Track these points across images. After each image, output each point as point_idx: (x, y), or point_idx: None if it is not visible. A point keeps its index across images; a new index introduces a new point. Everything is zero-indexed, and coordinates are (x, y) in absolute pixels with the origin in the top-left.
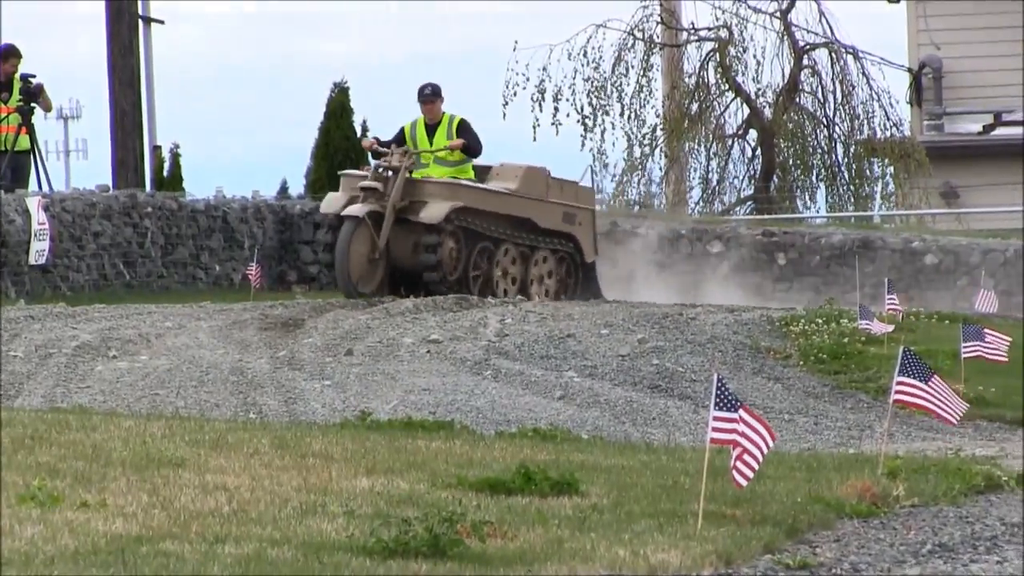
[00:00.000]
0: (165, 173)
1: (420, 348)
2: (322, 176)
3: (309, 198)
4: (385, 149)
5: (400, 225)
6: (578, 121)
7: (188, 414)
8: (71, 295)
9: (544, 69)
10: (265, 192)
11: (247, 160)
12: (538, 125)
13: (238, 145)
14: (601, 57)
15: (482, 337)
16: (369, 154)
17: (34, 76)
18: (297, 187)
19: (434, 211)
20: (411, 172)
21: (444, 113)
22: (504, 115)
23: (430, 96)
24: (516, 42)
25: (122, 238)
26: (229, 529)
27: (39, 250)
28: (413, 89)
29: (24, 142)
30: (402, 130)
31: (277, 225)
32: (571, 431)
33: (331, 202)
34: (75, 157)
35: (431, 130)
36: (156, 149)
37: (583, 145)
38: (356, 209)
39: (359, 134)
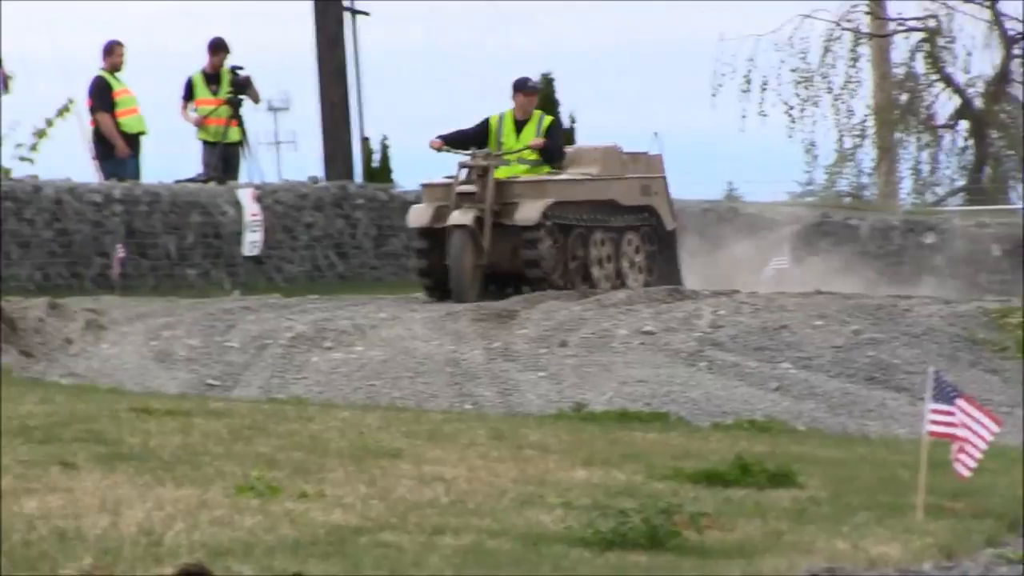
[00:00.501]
0: (374, 164)
1: (634, 339)
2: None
3: None
4: (455, 151)
5: (494, 228)
6: (785, 112)
7: (404, 405)
8: (285, 286)
9: (751, 59)
10: None
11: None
12: (745, 116)
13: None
14: (808, 47)
15: (696, 328)
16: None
17: (242, 68)
18: None
19: (529, 212)
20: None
21: (536, 111)
22: (713, 106)
23: (532, 89)
24: (722, 33)
25: (334, 229)
26: (447, 520)
27: (252, 241)
28: (619, 81)
29: (234, 134)
30: (487, 122)
31: None
32: (787, 423)
33: (418, 214)
34: (285, 148)
35: (519, 126)
36: (365, 141)
37: (790, 135)
38: (462, 217)
39: (567, 125)
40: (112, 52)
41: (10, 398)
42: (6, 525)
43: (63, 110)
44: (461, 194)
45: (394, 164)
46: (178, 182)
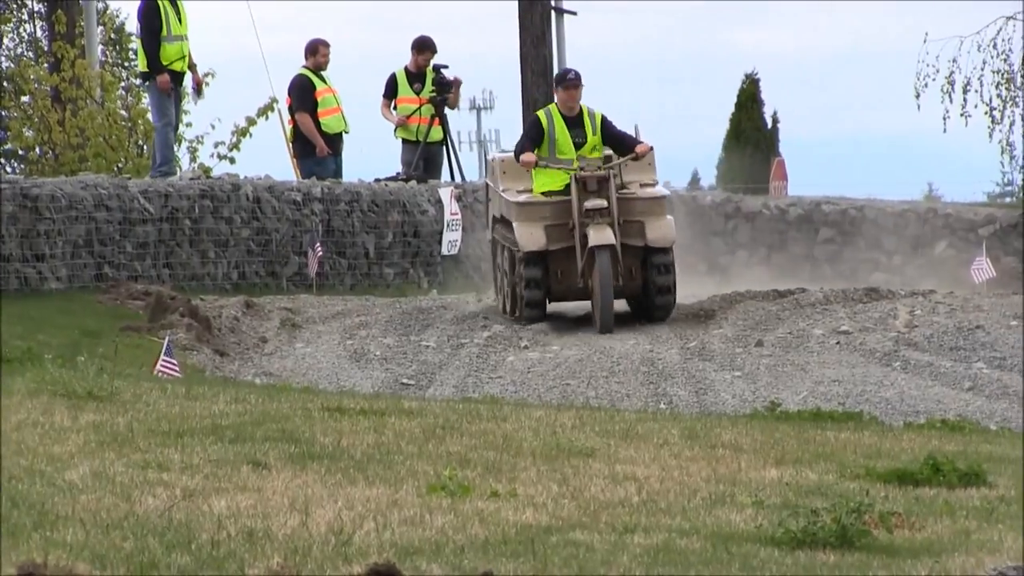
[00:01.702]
0: None
1: (830, 339)
2: (733, 167)
3: (720, 188)
4: (554, 164)
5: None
6: (985, 113)
7: (598, 404)
8: (483, 285)
9: (954, 61)
10: (676, 183)
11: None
12: (947, 117)
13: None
14: (1010, 49)
15: (891, 328)
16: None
17: (446, 67)
18: (708, 178)
19: (663, 231)
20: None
21: (582, 105)
22: (918, 107)
23: (575, 81)
24: (927, 34)
25: None
26: (638, 519)
27: (451, 240)
28: (827, 83)
29: (437, 133)
30: (537, 122)
31: (687, 216)
32: (979, 423)
33: (531, 237)
34: (488, 148)
35: (572, 123)
36: None
37: (991, 137)
38: (606, 237)
39: (769, 125)
40: (316, 51)
41: (203, 397)
42: (195, 524)
43: (266, 109)
44: (593, 210)
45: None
46: (378, 181)
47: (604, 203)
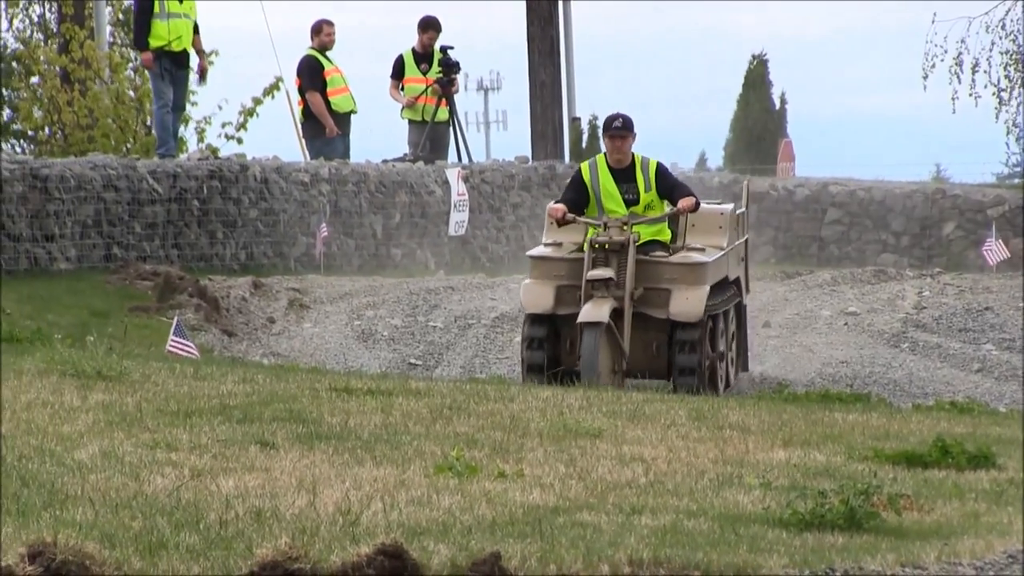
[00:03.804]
0: (583, 145)
1: (838, 320)
2: (740, 148)
3: (727, 170)
4: (582, 219)
5: (633, 320)
6: (993, 94)
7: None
8: (490, 266)
9: (962, 41)
10: (683, 164)
11: (666, 131)
12: (956, 98)
13: (656, 117)
14: (1019, 29)
15: (900, 309)
16: (594, 230)
17: (452, 48)
18: (715, 159)
19: (690, 304)
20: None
21: (634, 154)
22: (924, 87)
23: (620, 130)
24: (935, 14)
25: (541, 209)
26: (646, 500)
27: (458, 221)
28: (834, 64)
29: (443, 113)
30: (579, 175)
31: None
32: (988, 404)
33: (536, 296)
34: (495, 128)
35: (621, 176)
36: (575, 121)
37: (997, 118)
38: (598, 313)
39: (776, 106)
40: (321, 31)
41: (211, 377)
42: (203, 504)
43: (271, 88)
44: (595, 281)
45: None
46: (385, 162)
47: (607, 274)
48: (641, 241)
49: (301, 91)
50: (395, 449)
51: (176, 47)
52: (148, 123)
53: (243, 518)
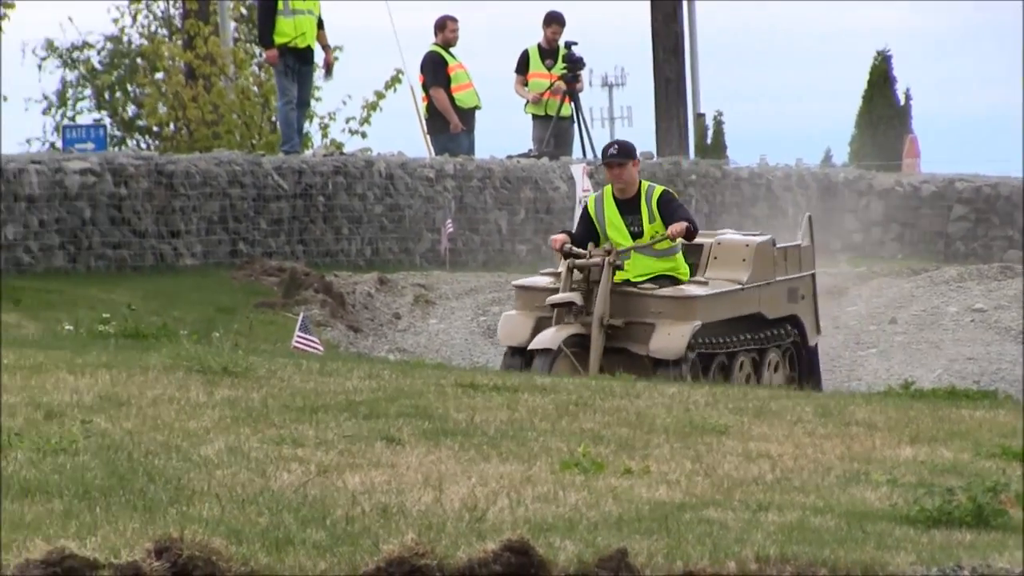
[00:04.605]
0: (707, 141)
1: (964, 317)
2: (865, 144)
3: (853, 166)
4: (576, 250)
5: (615, 355)
6: None
7: (734, 381)
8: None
9: None
10: (808, 160)
11: (790, 128)
12: None
13: (782, 113)
14: None
15: None
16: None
17: (576, 43)
18: (841, 155)
19: (671, 341)
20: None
21: (641, 182)
22: None
23: (616, 157)
24: None
25: None
26: (772, 497)
27: None
28: (958, 62)
29: (567, 109)
30: (586, 210)
31: (821, 193)
32: None
33: (513, 328)
34: (620, 124)
35: (626, 207)
36: (699, 117)
37: None
38: (547, 339)
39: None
40: (445, 27)
41: (337, 373)
42: (330, 500)
43: (392, 81)
44: (558, 305)
45: (728, 140)
46: (510, 157)
47: (569, 298)
48: (650, 276)
49: (425, 87)
50: (521, 445)
51: (300, 44)
52: (273, 119)
53: (369, 514)
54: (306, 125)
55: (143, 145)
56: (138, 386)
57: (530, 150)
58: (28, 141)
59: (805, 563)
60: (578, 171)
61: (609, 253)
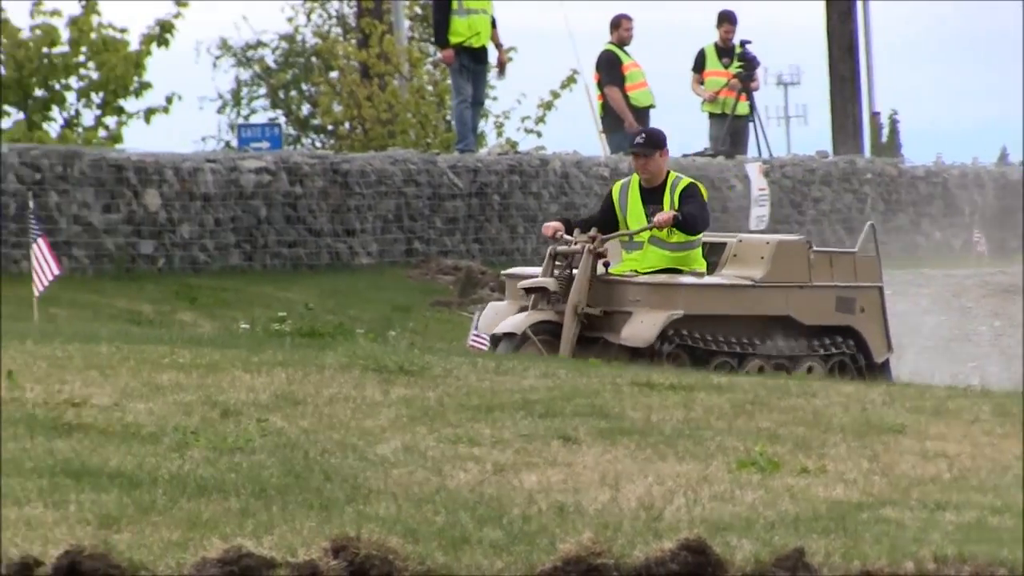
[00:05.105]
0: (882, 139)
1: None
2: None
3: None
4: (568, 237)
5: (592, 345)
6: None
7: (909, 381)
8: None
9: None
10: (984, 159)
11: (966, 126)
12: None
13: (957, 112)
14: None
15: None
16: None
17: (751, 42)
18: (1017, 154)
19: (641, 328)
20: (607, 266)
21: (669, 172)
22: None
23: (641, 147)
24: None
25: (841, 204)
26: (949, 496)
27: (759, 216)
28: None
29: (743, 108)
30: (609, 195)
31: (997, 192)
32: None
33: (494, 318)
34: (795, 123)
35: (650, 196)
36: (875, 116)
37: None
38: (513, 323)
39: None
40: (620, 26)
41: (512, 372)
42: (506, 499)
43: (568, 81)
44: (531, 290)
45: (903, 139)
46: (686, 156)
47: (542, 283)
48: (658, 269)
49: (600, 86)
50: (697, 444)
51: (475, 43)
52: (448, 118)
53: (546, 513)
54: (481, 124)
55: (318, 144)
56: (314, 385)
57: (706, 148)
58: (203, 139)
59: (983, 563)
60: (753, 170)
61: (593, 240)
